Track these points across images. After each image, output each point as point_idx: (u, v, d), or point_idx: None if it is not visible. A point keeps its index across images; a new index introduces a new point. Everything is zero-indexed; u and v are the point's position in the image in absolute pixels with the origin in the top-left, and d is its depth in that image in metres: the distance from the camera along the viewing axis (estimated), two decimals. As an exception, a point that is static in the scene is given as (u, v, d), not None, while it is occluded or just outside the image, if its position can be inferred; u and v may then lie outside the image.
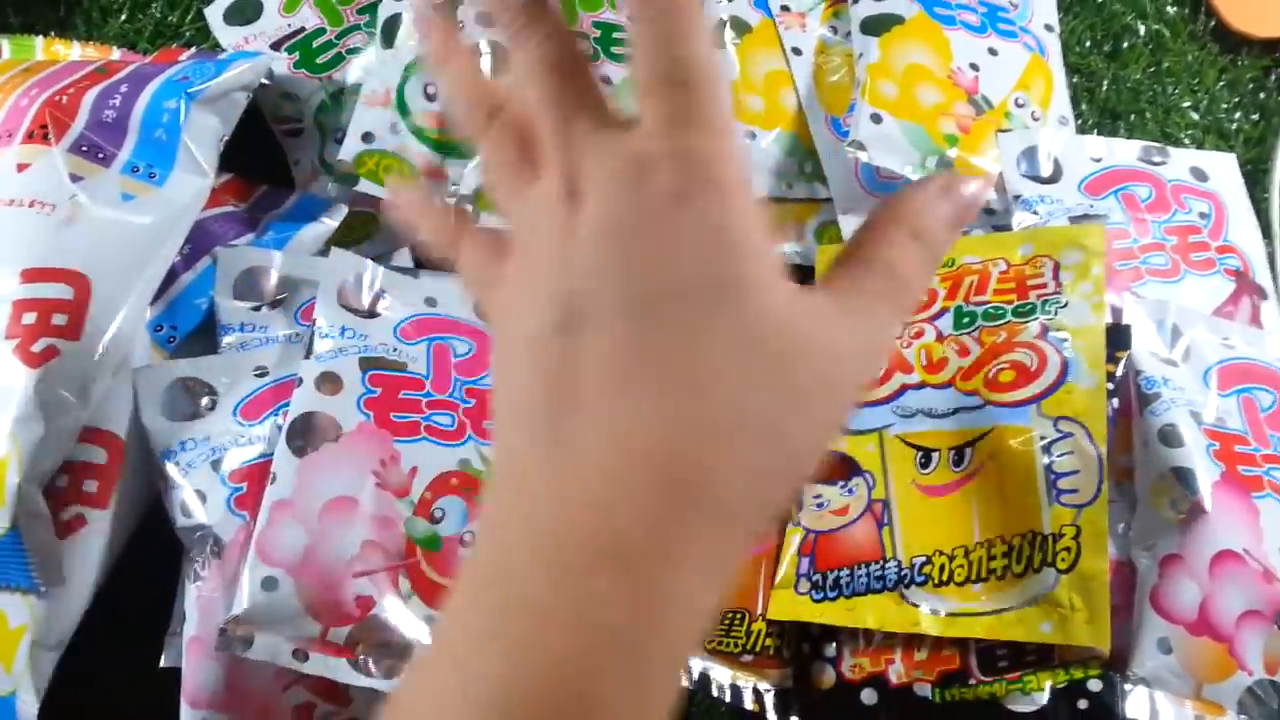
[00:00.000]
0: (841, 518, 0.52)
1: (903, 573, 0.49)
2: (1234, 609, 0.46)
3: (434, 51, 0.32)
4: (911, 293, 0.28)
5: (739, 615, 0.51)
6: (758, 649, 0.51)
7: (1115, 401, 0.51)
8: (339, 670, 0.48)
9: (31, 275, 0.52)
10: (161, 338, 0.57)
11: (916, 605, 0.49)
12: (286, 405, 0.52)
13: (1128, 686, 0.46)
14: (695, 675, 0.51)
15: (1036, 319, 0.52)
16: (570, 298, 0.25)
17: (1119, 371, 0.51)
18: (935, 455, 0.51)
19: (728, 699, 0.51)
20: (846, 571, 0.50)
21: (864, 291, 0.27)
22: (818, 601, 0.50)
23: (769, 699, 0.51)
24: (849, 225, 0.60)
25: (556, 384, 0.25)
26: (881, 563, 0.50)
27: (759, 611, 0.51)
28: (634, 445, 0.24)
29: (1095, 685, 0.46)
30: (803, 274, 0.61)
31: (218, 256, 0.58)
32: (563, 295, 0.25)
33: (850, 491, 0.52)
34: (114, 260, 0.54)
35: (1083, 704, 0.46)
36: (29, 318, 0.51)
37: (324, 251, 0.59)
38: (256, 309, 0.57)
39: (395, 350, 0.55)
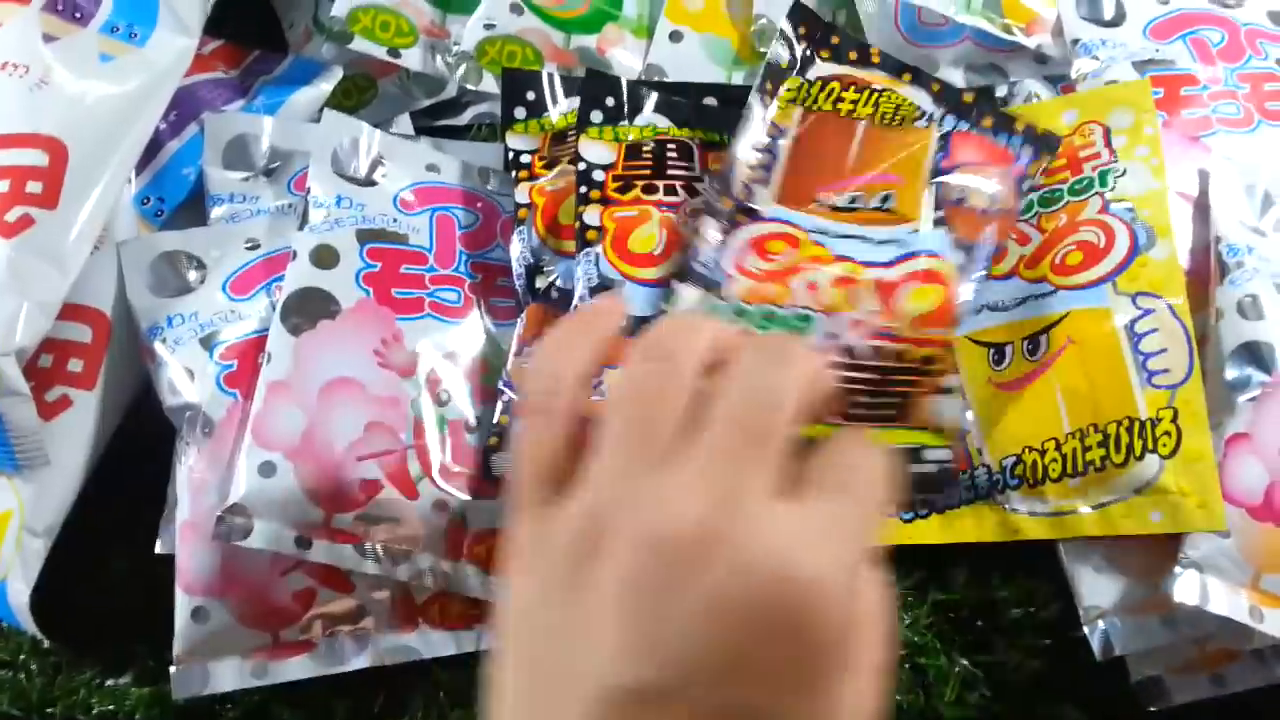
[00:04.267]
0: None
1: (994, 477, 0.46)
2: (1305, 496, 0.43)
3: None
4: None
5: None
6: None
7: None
8: (344, 557, 0.45)
9: (4, 141, 0.49)
10: (149, 211, 0.53)
11: (1015, 510, 0.46)
12: (279, 279, 0.49)
13: (1178, 570, 0.42)
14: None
15: (1096, 193, 0.48)
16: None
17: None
18: (1008, 349, 0.48)
19: None
20: None
21: None
22: (909, 521, 0.47)
23: None
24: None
25: None
26: (970, 470, 0.46)
27: None
28: None
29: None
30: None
31: (205, 123, 0.54)
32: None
33: None
34: (92, 126, 0.50)
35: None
36: (2, 185, 0.48)
37: (318, 118, 0.55)
38: (247, 178, 0.53)
39: (395, 221, 0.51)
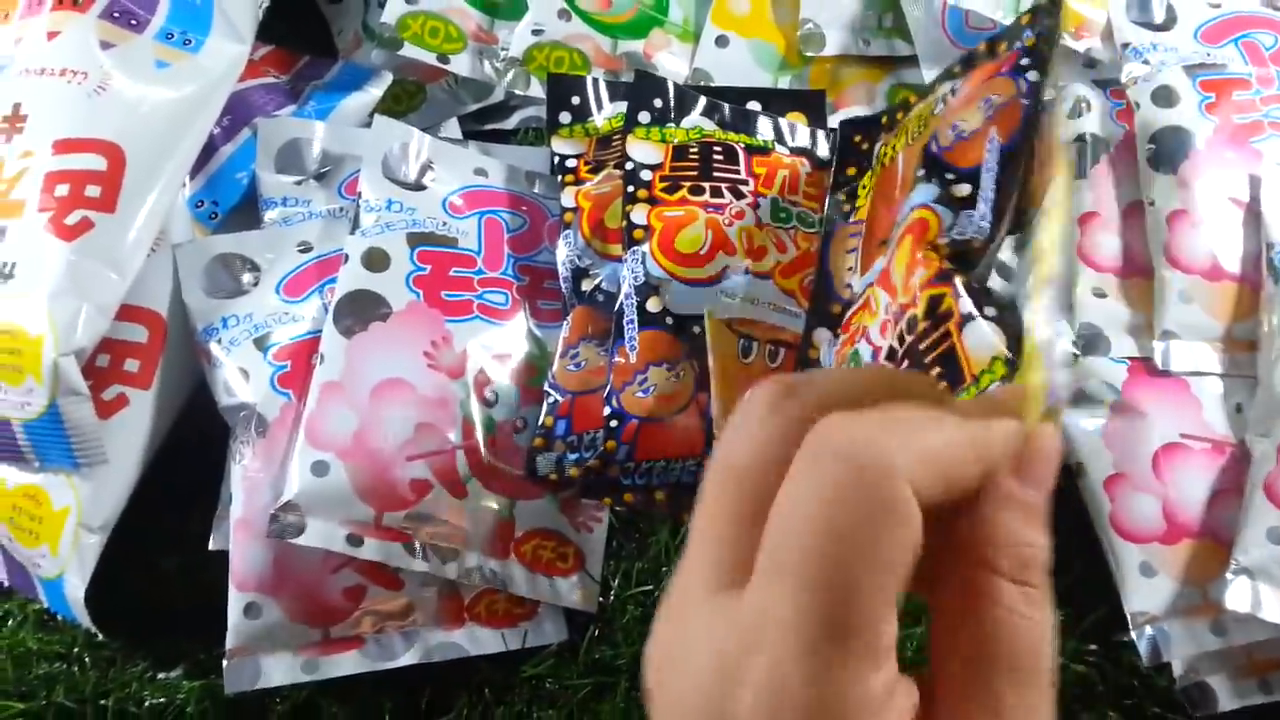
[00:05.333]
0: None
1: None
2: (1357, 504, 0.42)
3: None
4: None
5: None
6: None
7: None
8: (394, 555, 0.46)
9: (63, 146, 0.50)
10: (203, 214, 0.54)
11: None
12: (331, 282, 0.50)
13: (1229, 576, 0.42)
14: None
15: None
16: None
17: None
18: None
19: None
20: None
21: None
22: None
23: None
24: (932, 78, 0.55)
25: None
26: None
27: None
28: None
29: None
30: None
31: (258, 127, 0.55)
32: None
33: None
34: (148, 130, 0.51)
35: None
36: (62, 190, 0.49)
37: (369, 123, 0.55)
38: (299, 182, 0.54)
39: (445, 225, 0.52)
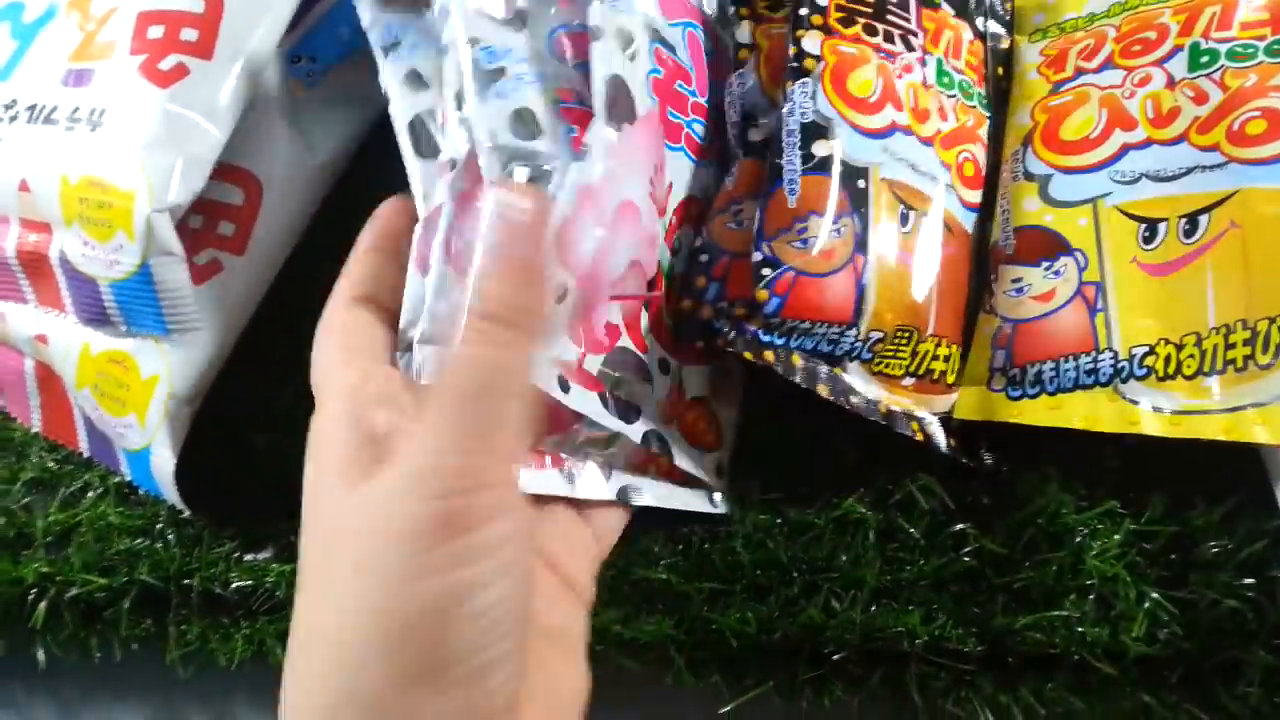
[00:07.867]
0: (1045, 304, 0.44)
1: (1119, 365, 0.41)
2: None
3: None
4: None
5: (907, 333, 0.43)
6: (920, 372, 0.44)
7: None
8: (592, 406, 0.39)
9: (157, -16, 0.46)
10: (299, 70, 0.50)
11: (1135, 402, 0.41)
12: None
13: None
14: (864, 400, 0.43)
15: None
16: None
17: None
18: (1162, 226, 0.42)
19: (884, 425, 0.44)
20: (1050, 365, 0.42)
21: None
22: (1015, 399, 0.43)
23: (929, 428, 0.44)
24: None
25: None
26: (1094, 354, 0.42)
27: (929, 330, 0.44)
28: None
29: None
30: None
31: None
32: None
33: (1056, 274, 0.44)
34: (247, -24, 0.47)
35: None
36: (156, 31, 0.45)
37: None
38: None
39: (668, 27, 0.44)
